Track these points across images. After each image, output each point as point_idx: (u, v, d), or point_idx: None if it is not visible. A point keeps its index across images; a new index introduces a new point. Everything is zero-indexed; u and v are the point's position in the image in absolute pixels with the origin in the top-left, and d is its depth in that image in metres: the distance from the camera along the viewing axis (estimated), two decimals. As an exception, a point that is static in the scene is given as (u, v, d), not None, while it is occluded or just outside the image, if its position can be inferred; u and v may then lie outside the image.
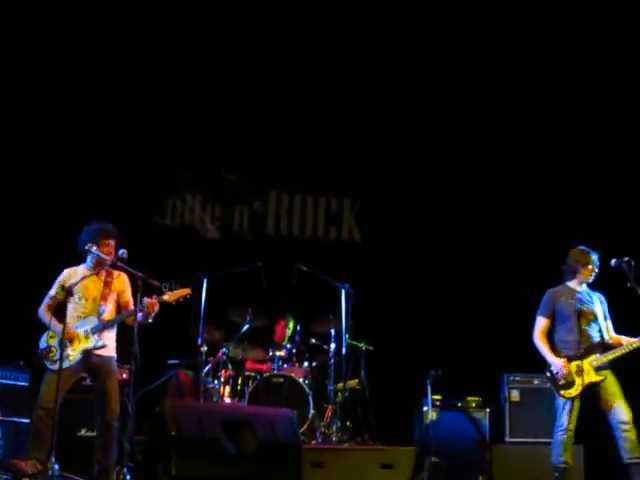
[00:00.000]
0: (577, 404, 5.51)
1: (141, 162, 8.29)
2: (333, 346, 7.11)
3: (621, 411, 5.40)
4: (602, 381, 5.50)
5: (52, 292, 5.42)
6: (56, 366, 5.11)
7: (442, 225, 8.54)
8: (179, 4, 8.00)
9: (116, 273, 5.46)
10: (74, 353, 5.24)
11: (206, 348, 6.92)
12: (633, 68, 7.96)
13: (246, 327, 7.29)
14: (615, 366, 5.62)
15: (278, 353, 7.22)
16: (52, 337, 5.32)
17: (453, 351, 7.53)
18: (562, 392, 5.55)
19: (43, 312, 5.37)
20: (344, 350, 6.83)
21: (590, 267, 5.73)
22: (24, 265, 7.45)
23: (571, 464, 5.50)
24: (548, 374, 5.65)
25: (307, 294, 7.29)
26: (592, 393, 5.52)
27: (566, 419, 5.49)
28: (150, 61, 8.16)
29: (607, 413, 5.46)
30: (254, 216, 8.85)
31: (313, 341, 7.44)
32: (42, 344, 5.31)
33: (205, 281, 6.37)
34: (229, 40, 8.23)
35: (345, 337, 6.87)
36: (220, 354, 7.09)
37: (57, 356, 5.17)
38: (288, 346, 7.32)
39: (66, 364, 5.17)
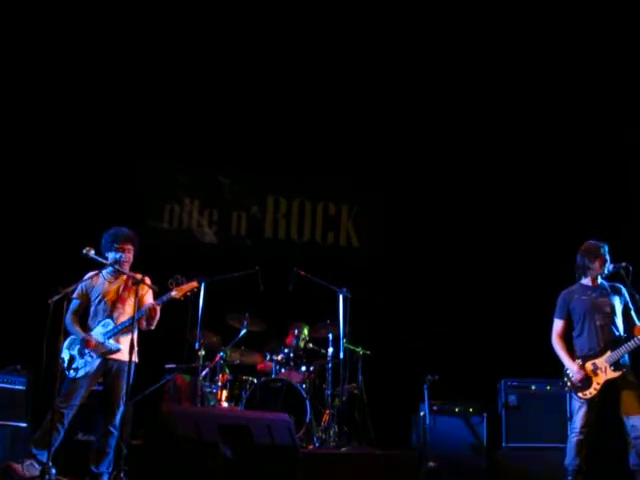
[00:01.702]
0: (594, 406, 5.30)
1: (139, 166, 8.30)
2: (331, 350, 7.10)
3: (635, 417, 5.20)
4: (620, 378, 5.27)
5: (75, 296, 5.47)
6: (75, 374, 5.27)
7: (440, 231, 8.57)
8: (178, 7, 8.01)
9: (139, 277, 5.43)
10: (92, 359, 5.31)
11: (203, 352, 6.93)
12: (632, 67, 7.97)
13: (243, 332, 7.28)
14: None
15: (276, 357, 7.22)
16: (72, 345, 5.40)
17: (451, 356, 7.53)
18: (580, 394, 5.34)
19: (69, 321, 5.42)
20: (342, 355, 6.81)
21: (600, 259, 5.47)
22: (21, 269, 7.45)
23: (584, 467, 5.28)
24: (565, 378, 5.47)
25: (305, 299, 7.28)
26: (611, 391, 5.28)
27: (581, 421, 5.31)
28: (149, 66, 8.16)
29: (622, 415, 5.26)
30: (252, 221, 8.85)
31: (311, 346, 7.44)
32: (63, 352, 5.33)
33: (203, 285, 6.35)
34: (228, 44, 8.23)
35: (343, 342, 6.85)
36: (217, 358, 7.08)
37: (76, 364, 5.30)
38: (286, 350, 7.31)
39: (85, 371, 5.27)
